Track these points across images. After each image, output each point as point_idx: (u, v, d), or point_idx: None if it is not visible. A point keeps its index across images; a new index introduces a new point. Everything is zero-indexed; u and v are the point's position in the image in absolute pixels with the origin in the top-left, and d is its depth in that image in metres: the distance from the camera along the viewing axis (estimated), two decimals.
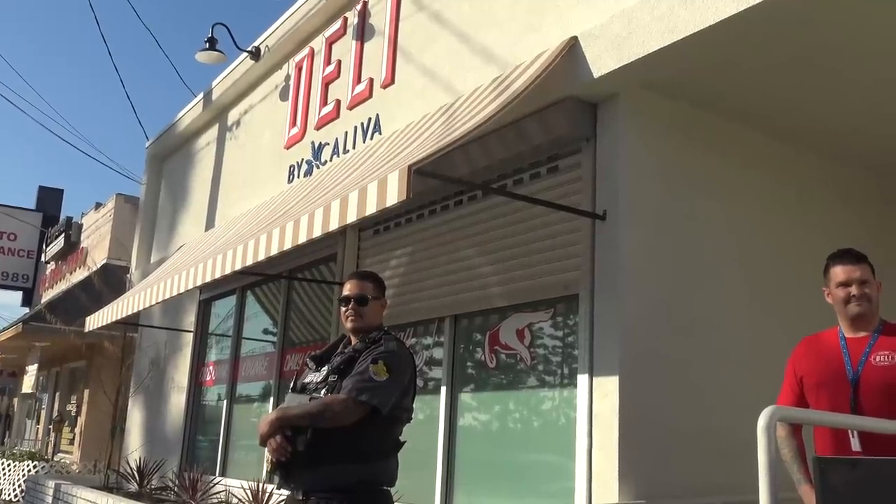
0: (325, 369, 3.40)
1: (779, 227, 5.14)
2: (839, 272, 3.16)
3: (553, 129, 4.72)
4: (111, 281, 13.49)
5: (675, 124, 4.75)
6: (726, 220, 4.88)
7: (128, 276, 11.87)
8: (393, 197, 3.72)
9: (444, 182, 4.86)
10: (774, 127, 5.07)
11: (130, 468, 8.72)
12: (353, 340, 3.47)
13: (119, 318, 7.55)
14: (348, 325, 3.48)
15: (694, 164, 4.79)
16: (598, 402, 4.26)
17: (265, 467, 5.91)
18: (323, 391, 3.28)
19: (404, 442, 3.39)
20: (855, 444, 2.94)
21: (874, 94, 4.63)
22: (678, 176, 4.71)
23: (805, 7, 3.65)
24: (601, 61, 4.33)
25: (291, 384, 3.51)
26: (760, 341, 4.72)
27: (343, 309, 3.50)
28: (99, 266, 15.90)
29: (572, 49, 4.49)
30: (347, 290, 3.51)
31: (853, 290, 3.11)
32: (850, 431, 2.95)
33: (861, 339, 3.10)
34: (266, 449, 3.22)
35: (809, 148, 5.36)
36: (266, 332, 8.27)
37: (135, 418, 10.79)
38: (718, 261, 4.78)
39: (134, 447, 10.32)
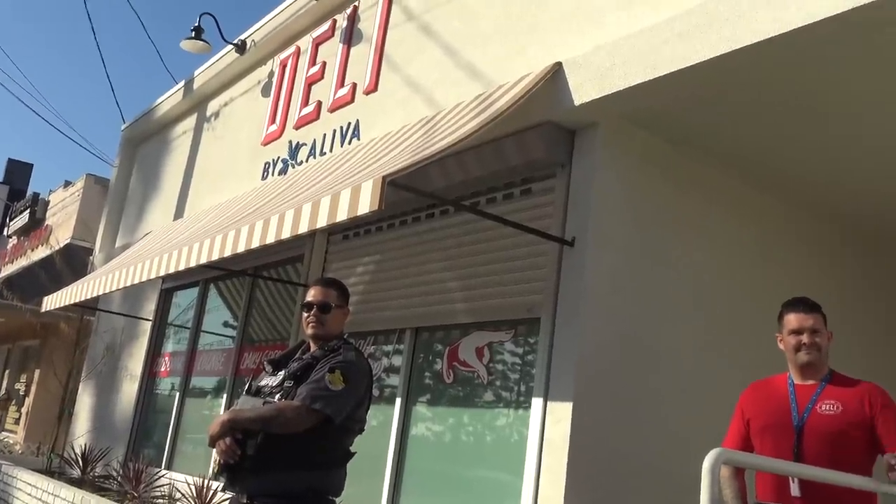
0: (281, 374, 3.39)
1: (740, 269, 5.21)
2: (792, 320, 3.23)
3: (530, 152, 4.75)
4: (73, 262, 13.31)
5: (650, 158, 4.80)
6: (690, 259, 4.94)
7: (91, 258, 11.72)
8: (365, 206, 3.72)
9: (416, 194, 4.87)
10: (747, 170, 5.16)
11: (75, 454, 8.60)
12: (313, 347, 3.47)
13: (78, 300, 7.44)
14: (309, 331, 3.47)
15: (664, 200, 4.85)
16: (550, 427, 4.28)
17: (212, 466, 5.85)
18: (277, 396, 3.27)
19: (354, 453, 3.39)
20: (795, 490, 3.00)
21: (842, 146, 4.73)
22: (648, 210, 4.76)
23: (784, 57, 3.72)
24: (583, 89, 4.37)
25: (246, 386, 3.49)
26: (712, 380, 4.77)
27: (305, 315, 3.49)
28: (62, 245, 15.67)
29: (556, 74, 4.53)
30: (311, 296, 3.51)
31: (804, 338, 3.18)
32: (790, 478, 3.00)
33: (809, 386, 3.17)
34: (214, 449, 3.20)
35: (776, 193, 5.45)
36: (226, 326, 8.20)
37: (84, 403, 10.63)
38: (679, 298, 4.83)
39: (80, 433, 10.16)
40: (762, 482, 3.16)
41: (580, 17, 4.62)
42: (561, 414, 4.22)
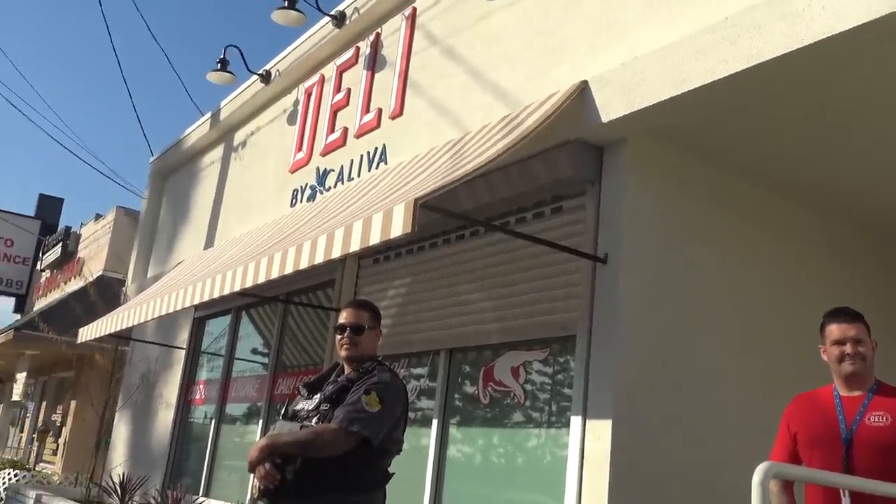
0: (317, 397, 3.40)
1: (775, 283, 5.16)
2: (834, 330, 3.19)
3: (559, 171, 4.76)
4: (106, 293, 13.43)
5: (679, 173, 4.79)
6: (724, 273, 4.90)
7: (123, 289, 11.86)
8: (398, 229, 3.74)
9: (447, 216, 4.89)
10: (777, 183, 5.12)
11: (113, 483, 8.64)
12: (347, 369, 3.48)
13: (112, 331, 7.53)
14: (343, 353, 3.49)
15: (695, 215, 4.83)
16: (590, 445, 4.24)
17: (250, 492, 5.85)
18: (314, 419, 3.28)
19: (393, 474, 3.39)
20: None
21: (874, 155, 4.68)
22: (679, 225, 4.74)
23: (812, 68, 3.71)
24: (610, 106, 4.37)
25: (282, 411, 3.50)
26: (751, 394, 4.72)
27: (338, 337, 3.51)
28: (95, 277, 15.86)
29: (582, 93, 4.54)
30: (344, 318, 3.53)
31: (847, 348, 3.14)
32: (841, 490, 2.95)
33: (856, 398, 3.13)
34: (254, 475, 3.21)
35: (809, 205, 5.40)
36: (259, 353, 8.25)
37: (121, 433, 10.72)
38: (714, 313, 4.79)
39: (118, 462, 10.24)
40: (812, 497, 3.11)
41: (605, 34, 4.63)
42: (600, 431, 4.19)
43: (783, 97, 4.07)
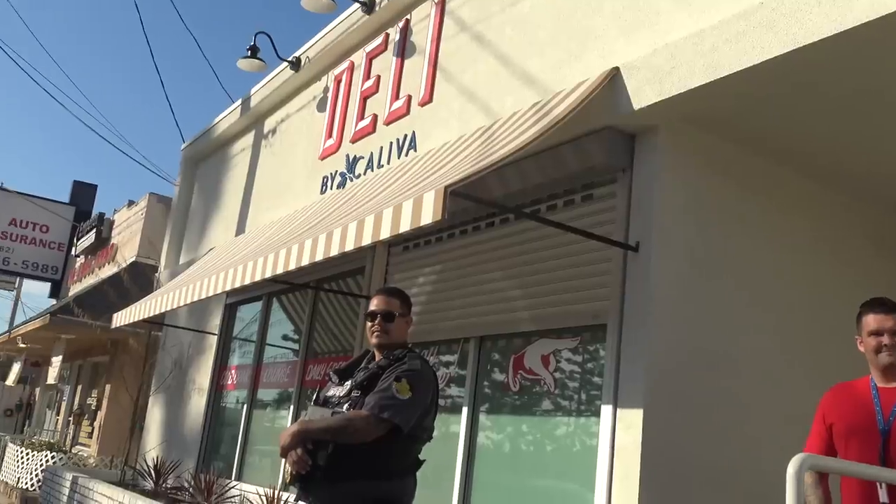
0: (348, 384, 3.43)
1: (811, 272, 5.09)
2: (871, 321, 3.15)
3: (590, 158, 4.72)
4: (139, 279, 13.63)
5: (713, 160, 4.73)
6: (758, 262, 4.84)
7: (156, 274, 12.00)
8: (428, 216, 3.73)
9: (477, 204, 4.87)
10: (812, 169, 5.04)
11: (147, 466, 8.80)
12: (377, 356, 3.50)
13: (146, 316, 7.62)
14: (373, 340, 3.51)
15: (729, 203, 4.77)
16: (621, 433, 4.23)
17: (282, 476, 5.91)
18: (345, 406, 3.30)
19: (424, 460, 3.41)
20: (883, 496, 2.91)
21: None
22: (713, 213, 4.69)
23: (849, 53, 3.63)
24: (642, 93, 4.33)
25: (314, 397, 3.53)
26: (785, 384, 4.67)
27: (369, 324, 3.53)
28: (128, 263, 16.07)
29: (613, 79, 4.49)
30: (374, 305, 3.54)
31: (885, 339, 3.10)
32: (878, 483, 2.92)
33: (893, 389, 3.08)
34: (286, 460, 3.24)
35: (846, 192, 5.31)
36: (290, 339, 8.32)
37: (154, 416, 10.88)
38: (748, 301, 4.74)
39: (152, 445, 10.40)
40: (847, 489, 3.07)
41: (636, 20, 4.58)
42: (631, 420, 4.17)
43: (821, 83, 3.99)
